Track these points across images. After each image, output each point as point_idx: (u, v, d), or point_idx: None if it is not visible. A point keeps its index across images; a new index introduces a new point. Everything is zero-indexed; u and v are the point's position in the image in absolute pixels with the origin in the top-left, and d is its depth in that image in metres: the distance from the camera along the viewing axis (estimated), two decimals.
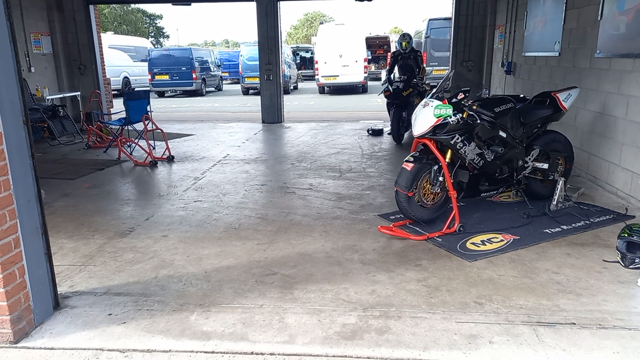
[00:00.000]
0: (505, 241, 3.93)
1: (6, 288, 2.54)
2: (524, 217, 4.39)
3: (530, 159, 4.67)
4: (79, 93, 10.78)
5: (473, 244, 3.90)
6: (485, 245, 3.88)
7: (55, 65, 10.71)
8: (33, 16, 9.94)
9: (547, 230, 4.12)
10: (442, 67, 15.54)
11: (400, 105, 8.22)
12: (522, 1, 8.00)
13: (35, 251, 2.77)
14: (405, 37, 8.66)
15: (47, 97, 9.65)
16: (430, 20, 17.33)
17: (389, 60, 9.38)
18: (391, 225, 4.24)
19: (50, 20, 10.48)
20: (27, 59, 9.67)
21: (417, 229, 4.20)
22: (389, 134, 8.92)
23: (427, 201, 4.26)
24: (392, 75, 8.57)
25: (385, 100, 8.61)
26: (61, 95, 10.41)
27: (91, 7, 10.83)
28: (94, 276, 3.45)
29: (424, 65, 9.05)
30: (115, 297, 3.14)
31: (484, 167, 4.33)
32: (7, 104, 2.54)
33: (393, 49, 31.28)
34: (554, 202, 4.55)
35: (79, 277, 3.42)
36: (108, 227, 4.47)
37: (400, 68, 8.56)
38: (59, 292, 3.05)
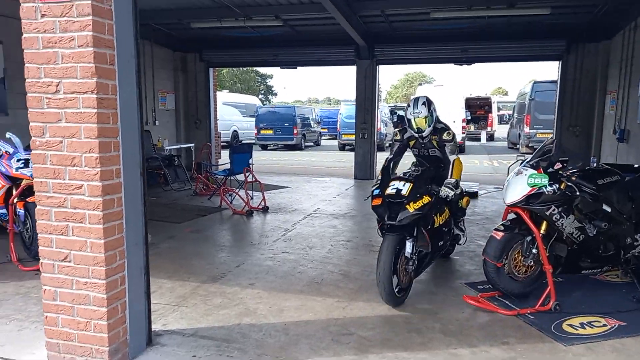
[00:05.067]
0: (609, 326, 3.54)
1: (109, 321, 2.84)
2: (633, 301, 3.95)
3: None
4: (193, 145, 11.96)
5: (570, 325, 3.56)
6: (585, 328, 3.53)
7: (175, 119, 12.07)
8: (162, 76, 11.40)
9: None
10: (547, 131, 14.82)
11: (399, 229, 3.88)
12: (636, 68, 7.51)
13: (137, 289, 3.08)
14: (417, 104, 4.41)
15: (166, 147, 10.85)
16: (535, 82, 16.94)
17: (402, 135, 4.84)
18: (478, 296, 4.04)
19: (175, 81, 11.94)
20: (154, 113, 11.01)
21: (507, 302, 3.95)
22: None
23: (519, 273, 4.01)
24: (391, 164, 4.69)
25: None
26: (178, 146, 11.63)
27: (210, 69, 12.17)
28: (184, 317, 3.70)
29: (457, 155, 4.77)
30: (200, 339, 3.34)
31: (584, 242, 4.01)
32: (129, 158, 2.95)
33: (495, 106, 25.57)
34: None
35: (172, 317, 3.70)
36: (203, 271, 4.80)
37: (416, 162, 5.10)
38: (152, 330, 3.32)
